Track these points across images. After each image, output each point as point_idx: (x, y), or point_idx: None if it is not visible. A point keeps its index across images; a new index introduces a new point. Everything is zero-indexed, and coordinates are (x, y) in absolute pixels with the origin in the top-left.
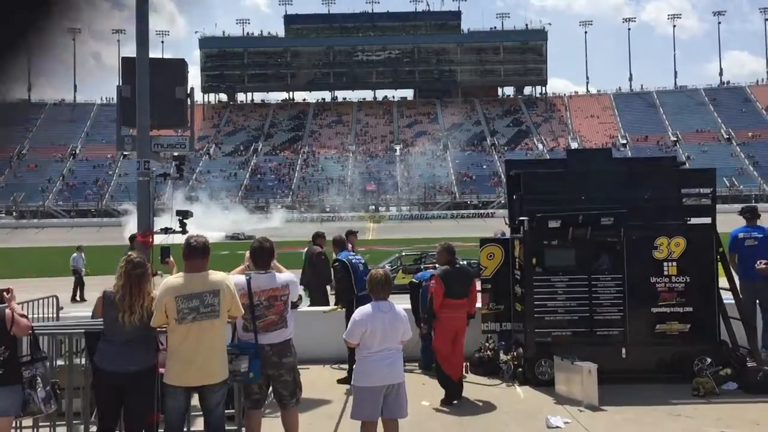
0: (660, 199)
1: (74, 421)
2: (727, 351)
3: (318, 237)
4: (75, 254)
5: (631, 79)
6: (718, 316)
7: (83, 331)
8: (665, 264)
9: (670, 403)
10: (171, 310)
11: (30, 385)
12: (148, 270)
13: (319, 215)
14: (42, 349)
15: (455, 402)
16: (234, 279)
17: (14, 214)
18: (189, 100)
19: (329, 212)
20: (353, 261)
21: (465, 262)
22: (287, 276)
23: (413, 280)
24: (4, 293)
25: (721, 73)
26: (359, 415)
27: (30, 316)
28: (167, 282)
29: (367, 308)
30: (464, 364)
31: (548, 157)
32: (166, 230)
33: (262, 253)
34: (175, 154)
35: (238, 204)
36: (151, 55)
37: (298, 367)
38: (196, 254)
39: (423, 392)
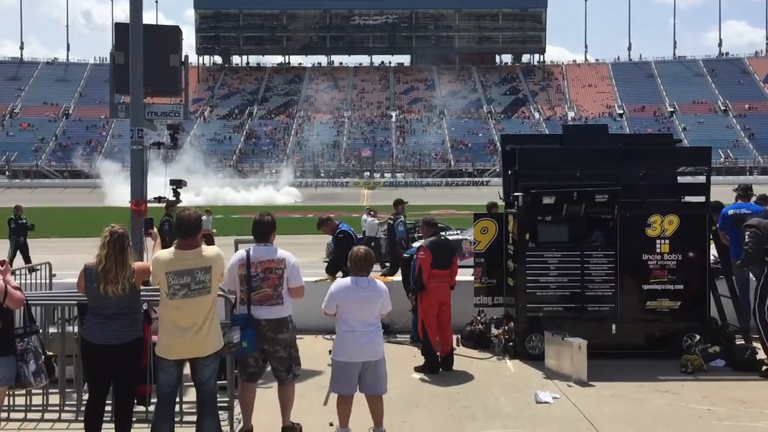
0: (654, 177)
1: (67, 389)
2: (716, 328)
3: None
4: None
5: (630, 48)
6: (708, 293)
7: (75, 303)
8: (658, 241)
9: (658, 379)
10: (162, 285)
11: (21, 358)
12: (129, 241)
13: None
14: (35, 317)
15: (438, 372)
16: (238, 252)
17: (7, 173)
18: (183, 68)
19: (324, 177)
20: (356, 234)
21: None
22: (287, 253)
23: (405, 255)
24: None
25: (720, 44)
26: (339, 389)
27: (22, 282)
28: (158, 257)
29: (345, 281)
30: (455, 336)
31: (545, 126)
32: (160, 199)
33: (262, 227)
34: (169, 122)
35: (232, 169)
36: (145, 14)
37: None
38: (188, 230)
39: (413, 364)
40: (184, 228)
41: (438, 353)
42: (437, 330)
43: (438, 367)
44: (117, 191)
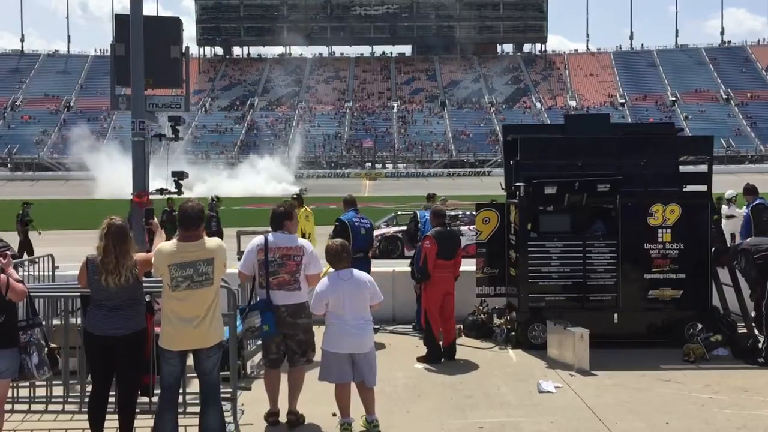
0: (656, 167)
1: (70, 381)
2: (718, 317)
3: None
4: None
5: (631, 37)
6: (710, 282)
7: (78, 294)
8: (660, 231)
9: (660, 368)
10: (165, 277)
11: (24, 350)
12: (130, 232)
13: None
14: (38, 309)
15: (440, 362)
16: (257, 238)
17: (9, 166)
18: (184, 59)
19: (326, 167)
20: (356, 223)
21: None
22: (304, 241)
23: (416, 211)
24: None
25: (722, 33)
26: (326, 377)
27: (24, 274)
28: (161, 249)
29: (325, 280)
30: (457, 326)
31: (547, 116)
32: (162, 191)
33: (277, 217)
34: (170, 114)
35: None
36: (145, 6)
37: None
38: (191, 222)
39: (416, 354)
40: (187, 219)
41: (441, 343)
42: (440, 320)
43: (440, 357)
44: (105, 183)
